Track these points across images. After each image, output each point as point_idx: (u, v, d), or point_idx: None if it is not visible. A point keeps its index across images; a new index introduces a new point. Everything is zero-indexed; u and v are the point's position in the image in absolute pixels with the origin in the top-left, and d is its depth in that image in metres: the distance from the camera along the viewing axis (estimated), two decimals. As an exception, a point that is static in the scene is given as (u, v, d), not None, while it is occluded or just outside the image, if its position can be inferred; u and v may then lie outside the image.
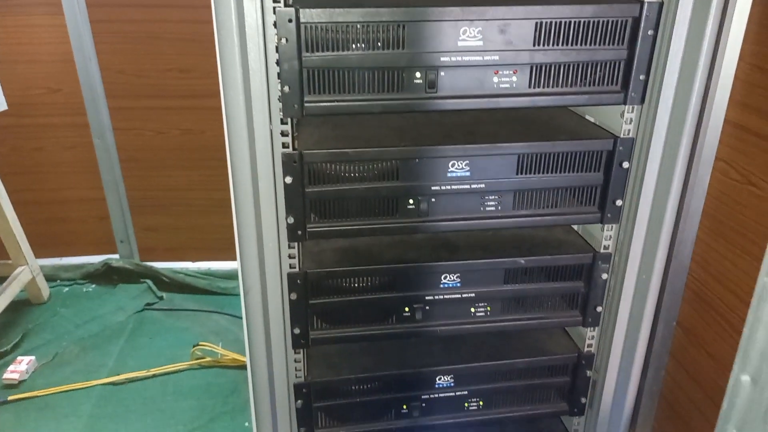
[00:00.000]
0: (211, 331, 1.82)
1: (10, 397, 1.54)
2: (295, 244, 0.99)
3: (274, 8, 0.81)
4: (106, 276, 2.07)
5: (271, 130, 0.89)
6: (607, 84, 0.93)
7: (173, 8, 1.76)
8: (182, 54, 1.83)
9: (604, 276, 1.09)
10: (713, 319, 1.08)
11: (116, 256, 2.12)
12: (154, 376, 1.64)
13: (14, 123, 1.91)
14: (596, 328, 1.16)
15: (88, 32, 1.79)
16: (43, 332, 1.82)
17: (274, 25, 0.82)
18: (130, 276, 2.07)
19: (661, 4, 0.89)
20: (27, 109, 1.90)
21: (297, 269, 1.01)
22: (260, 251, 0.97)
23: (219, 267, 2.10)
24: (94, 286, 2.06)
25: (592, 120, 1.11)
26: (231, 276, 2.05)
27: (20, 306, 1.92)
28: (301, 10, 0.82)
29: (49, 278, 2.02)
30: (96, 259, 2.10)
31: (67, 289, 2.05)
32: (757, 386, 0.88)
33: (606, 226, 1.07)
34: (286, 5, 0.82)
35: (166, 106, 1.90)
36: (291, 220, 0.95)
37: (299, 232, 0.96)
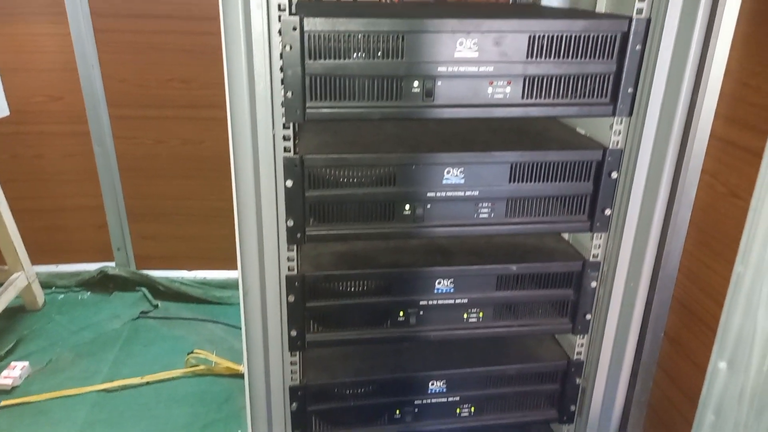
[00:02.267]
0: (206, 340, 1.83)
1: (2, 403, 1.54)
2: (294, 246, 1.01)
3: (280, 16, 0.85)
4: (102, 284, 2.08)
5: (273, 135, 0.92)
6: (597, 96, 0.97)
7: (176, 19, 1.80)
8: (184, 64, 1.86)
9: (593, 284, 1.12)
10: (700, 330, 1.10)
11: (112, 264, 2.13)
12: (148, 383, 1.64)
13: (15, 130, 1.93)
14: (585, 336, 1.18)
15: (91, 41, 1.83)
16: (38, 339, 1.82)
17: (279, 32, 0.86)
18: (126, 284, 2.08)
19: (649, 21, 0.93)
20: (28, 117, 1.93)
21: (295, 272, 1.03)
22: (260, 253, 0.99)
23: (214, 276, 2.11)
24: (89, 293, 2.07)
25: (582, 132, 1.14)
26: (226, 285, 2.06)
27: (15, 312, 1.92)
28: (305, 19, 0.85)
29: (45, 285, 2.03)
30: (92, 266, 2.11)
31: (62, 296, 2.05)
32: (732, 370, 0.91)
33: (595, 234, 1.10)
34: (290, 14, 0.86)
35: (166, 116, 1.93)
36: (290, 222, 0.98)
37: (298, 235, 0.99)
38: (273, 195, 0.96)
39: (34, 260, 1.93)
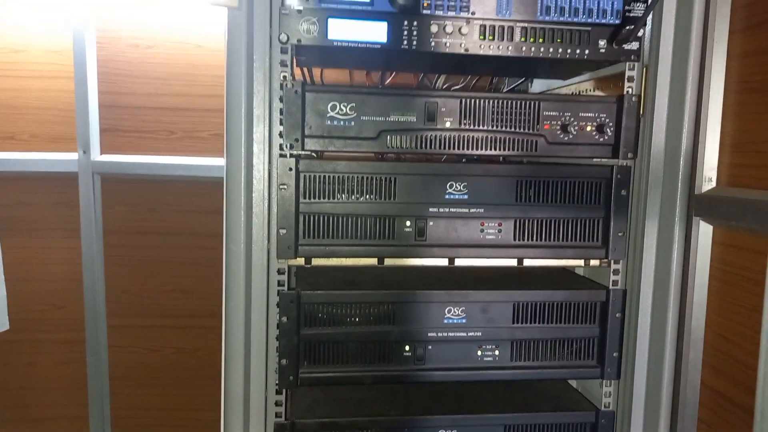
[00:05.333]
0: None
1: None
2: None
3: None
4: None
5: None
6: (584, 358, 1.00)
7: (180, 236, 1.91)
8: (185, 276, 1.93)
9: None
10: None
11: (90, 477, 2.00)
12: None
13: (12, 338, 1.94)
14: None
15: (100, 256, 1.91)
16: None
17: (277, 305, 0.91)
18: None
19: (625, 291, 0.99)
20: (27, 324, 1.95)
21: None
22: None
23: (196, 492, 1.97)
24: None
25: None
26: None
27: None
28: (302, 293, 0.91)
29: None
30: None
31: None
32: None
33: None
34: (289, 288, 0.92)
35: (164, 325, 1.95)
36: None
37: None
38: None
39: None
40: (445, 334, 0.99)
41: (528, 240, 1.00)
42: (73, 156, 1.82)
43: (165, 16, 1.78)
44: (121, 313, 1.95)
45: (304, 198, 0.95)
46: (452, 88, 1.29)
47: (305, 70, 1.18)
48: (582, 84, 1.17)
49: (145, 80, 1.83)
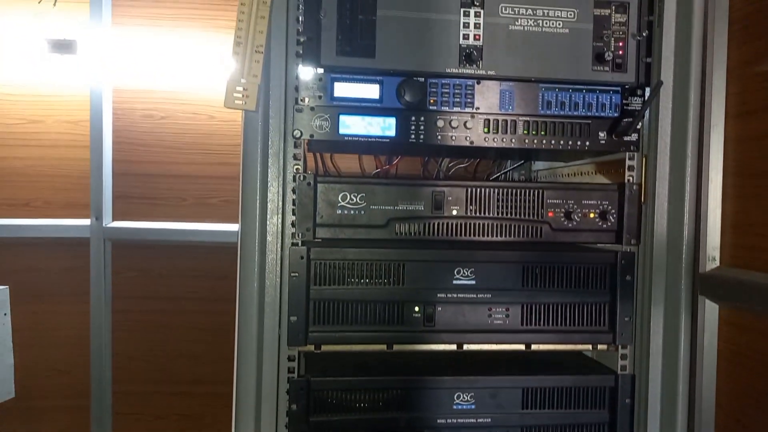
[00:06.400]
0: None
1: None
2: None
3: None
4: None
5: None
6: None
7: (189, 301, 1.92)
8: (193, 341, 1.94)
9: None
10: None
11: None
12: None
13: (16, 405, 1.92)
14: None
15: (108, 321, 1.92)
16: None
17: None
18: None
19: (633, 376, 1.00)
20: (32, 392, 1.94)
21: None
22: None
23: None
24: None
25: None
26: None
27: None
28: (312, 380, 0.92)
29: None
30: None
31: None
32: None
33: None
34: (299, 375, 0.92)
35: (170, 391, 1.94)
36: None
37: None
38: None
39: None
40: (455, 421, 1.00)
41: (535, 325, 1.01)
42: (86, 222, 1.86)
43: (179, 89, 1.85)
44: (127, 380, 1.94)
45: (315, 284, 0.97)
46: (457, 167, 1.33)
47: (317, 155, 1.23)
48: (584, 166, 1.20)
49: (158, 149, 1.89)
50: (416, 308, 0.99)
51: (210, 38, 1.83)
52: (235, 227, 1.85)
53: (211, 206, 1.93)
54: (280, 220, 0.96)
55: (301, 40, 0.94)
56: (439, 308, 1.00)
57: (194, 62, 1.81)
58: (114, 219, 1.89)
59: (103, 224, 1.85)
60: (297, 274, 0.96)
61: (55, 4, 1.73)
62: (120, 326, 1.95)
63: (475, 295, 1.00)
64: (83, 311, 1.94)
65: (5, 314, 1.70)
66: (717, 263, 1.12)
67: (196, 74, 1.82)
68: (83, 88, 1.80)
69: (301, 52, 0.94)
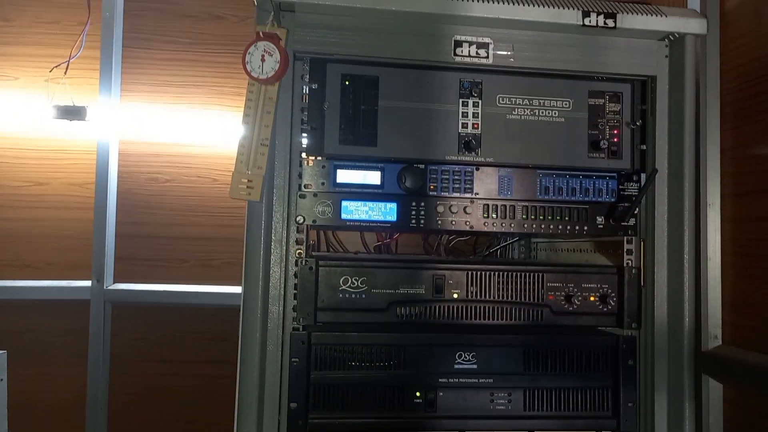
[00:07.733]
0: None
1: None
2: None
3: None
4: None
5: None
6: None
7: (187, 363, 1.91)
8: (189, 405, 1.91)
9: None
10: None
11: None
12: None
13: (9, 471, 1.88)
14: None
15: (105, 384, 1.90)
16: None
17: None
18: None
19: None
20: (27, 457, 1.90)
21: None
22: None
23: None
24: None
25: None
26: None
27: None
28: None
29: None
30: None
31: None
32: None
33: None
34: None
35: (165, 458, 1.90)
36: None
37: None
38: None
39: None
40: None
41: (538, 410, 1.00)
42: (87, 284, 1.86)
43: (184, 152, 1.89)
44: (122, 449, 1.91)
45: (315, 369, 0.97)
46: (457, 240, 1.34)
47: (319, 232, 1.24)
48: (582, 243, 1.22)
49: (162, 212, 1.91)
50: (417, 393, 0.99)
51: (215, 104, 1.88)
52: (235, 289, 1.86)
53: (213, 268, 1.94)
54: (281, 309, 0.96)
55: (306, 129, 0.96)
56: (441, 393, 0.99)
57: (199, 127, 1.85)
58: (116, 280, 1.90)
59: (104, 286, 1.85)
60: (297, 360, 0.96)
61: (66, 72, 1.78)
62: (117, 389, 1.93)
63: (477, 380, 1.00)
64: (81, 373, 1.92)
65: (1, 380, 1.69)
66: (719, 341, 1.12)
67: (200, 139, 1.86)
68: (90, 151, 1.84)
69: (305, 141, 0.97)
